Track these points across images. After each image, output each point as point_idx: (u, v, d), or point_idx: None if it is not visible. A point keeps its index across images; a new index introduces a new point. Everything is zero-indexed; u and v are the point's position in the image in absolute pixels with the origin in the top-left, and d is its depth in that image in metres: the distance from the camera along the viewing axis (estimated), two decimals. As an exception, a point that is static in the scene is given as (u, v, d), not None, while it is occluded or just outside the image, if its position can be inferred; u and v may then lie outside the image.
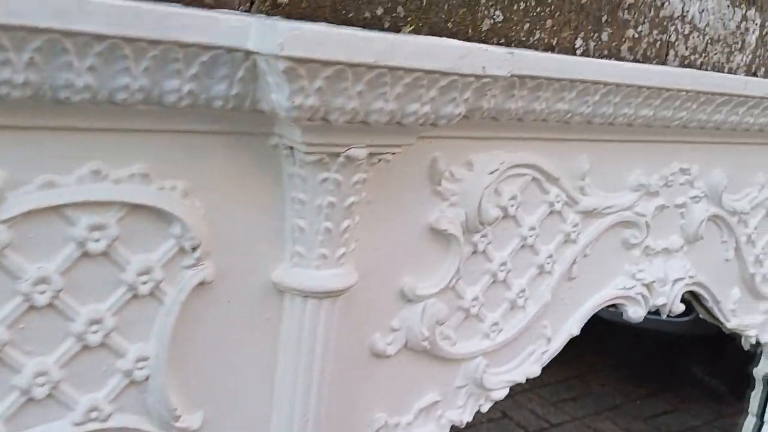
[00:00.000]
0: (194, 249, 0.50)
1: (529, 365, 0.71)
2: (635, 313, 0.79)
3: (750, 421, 1.05)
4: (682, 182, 0.81)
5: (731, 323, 0.92)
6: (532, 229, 0.64)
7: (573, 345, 2.79)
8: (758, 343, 1.01)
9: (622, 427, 2.86)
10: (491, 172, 0.59)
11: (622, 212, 0.74)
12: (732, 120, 0.77)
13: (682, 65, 0.79)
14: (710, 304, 0.90)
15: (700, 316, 0.98)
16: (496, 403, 2.73)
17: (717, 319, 0.91)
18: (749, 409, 1.05)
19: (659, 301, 0.81)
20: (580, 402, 3.00)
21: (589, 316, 0.76)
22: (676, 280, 0.83)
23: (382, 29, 0.57)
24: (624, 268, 0.78)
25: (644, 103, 0.67)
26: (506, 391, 0.73)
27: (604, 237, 0.75)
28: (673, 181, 0.79)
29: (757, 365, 1.06)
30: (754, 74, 0.87)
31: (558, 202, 0.67)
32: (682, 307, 0.85)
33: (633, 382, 3.22)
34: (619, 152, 0.70)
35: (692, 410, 3.19)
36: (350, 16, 0.56)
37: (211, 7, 0.51)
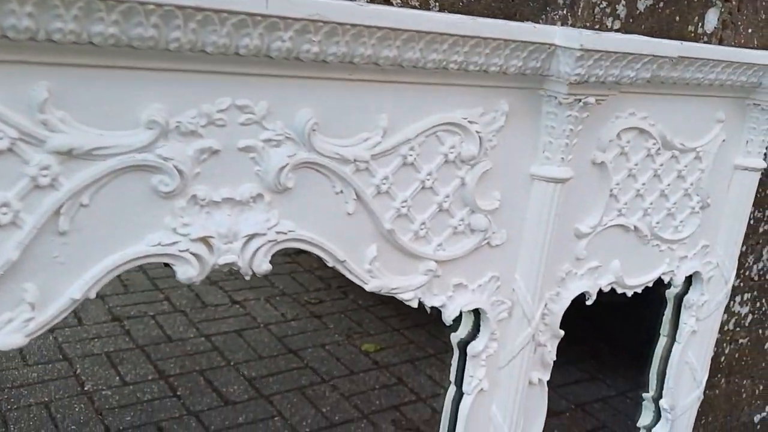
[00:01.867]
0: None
1: (7, 335, 0.59)
2: (185, 273, 0.66)
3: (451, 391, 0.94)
4: (243, 122, 0.67)
5: (370, 285, 0.80)
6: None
7: None
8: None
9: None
10: None
11: (134, 155, 0.62)
12: (305, 49, 0.62)
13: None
14: (331, 263, 0.77)
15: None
16: (392, 367, 2.64)
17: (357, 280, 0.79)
18: (451, 379, 0.94)
19: (226, 260, 0.69)
20: (482, 369, 2.90)
21: (112, 276, 0.65)
22: (250, 236, 0.70)
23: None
24: (163, 222, 0.65)
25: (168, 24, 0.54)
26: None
27: (115, 184, 0.62)
28: (226, 121, 0.66)
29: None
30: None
31: (19, 140, 0.54)
32: (269, 267, 0.73)
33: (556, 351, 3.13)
34: (131, 85, 0.57)
35: (609, 380, 3.08)
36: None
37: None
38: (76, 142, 0.58)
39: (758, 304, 1.40)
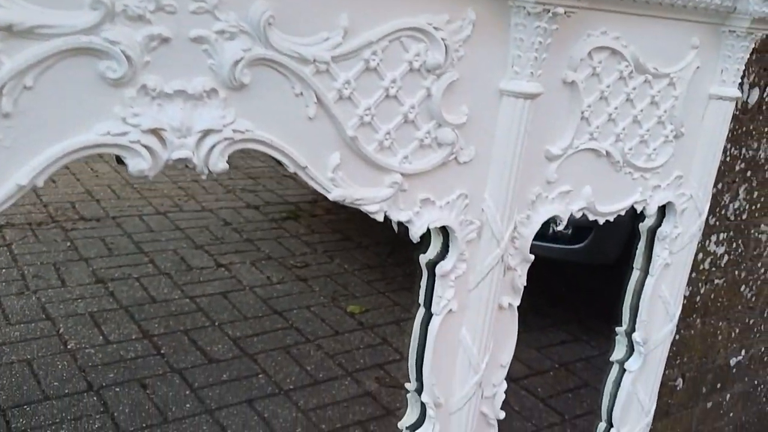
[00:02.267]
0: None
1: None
2: (137, 166, 0.64)
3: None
4: (194, 10, 0.64)
5: (333, 194, 0.77)
6: None
7: None
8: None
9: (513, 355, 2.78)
10: None
11: (79, 36, 0.59)
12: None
13: None
14: (292, 168, 0.75)
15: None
16: (377, 327, 2.63)
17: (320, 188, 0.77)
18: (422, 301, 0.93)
19: (179, 155, 0.67)
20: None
21: (61, 165, 0.62)
22: (205, 132, 0.67)
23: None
24: (113, 111, 0.63)
25: None
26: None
27: (61, 67, 0.60)
28: (176, 8, 0.64)
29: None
30: None
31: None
32: (225, 166, 0.71)
33: (540, 314, 3.14)
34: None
35: (593, 341, 3.09)
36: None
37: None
38: (16, 17, 0.56)
39: (734, 245, 1.40)
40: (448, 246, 0.91)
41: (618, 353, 1.22)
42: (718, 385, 1.56)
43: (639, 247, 1.15)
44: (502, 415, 1.05)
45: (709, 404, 1.57)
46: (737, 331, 1.52)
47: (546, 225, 3.16)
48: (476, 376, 0.96)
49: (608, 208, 1.04)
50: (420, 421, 0.97)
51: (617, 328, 1.22)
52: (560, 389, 2.72)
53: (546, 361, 2.87)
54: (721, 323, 1.45)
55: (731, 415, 1.66)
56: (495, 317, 0.97)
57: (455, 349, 0.95)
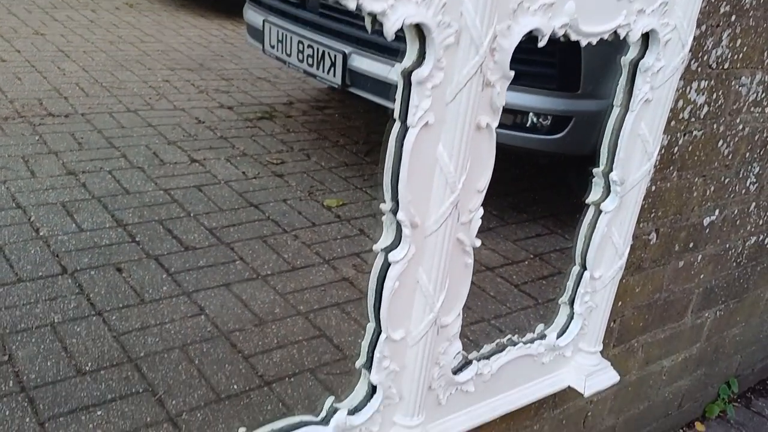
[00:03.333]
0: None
1: None
2: None
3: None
4: None
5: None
6: None
7: None
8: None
9: (489, 247, 2.79)
10: None
11: None
12: None
13: None
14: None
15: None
16: (354, 220, 2.60)
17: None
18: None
19: None
20: (443, 222, 2.91)
21: None
22: None
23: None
24: None
25: None
26: None
27: None
28: None
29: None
30: None
31: None
32: None
33: (517, 209, 3.14)
34: None
35: (567, 234, 3.12)
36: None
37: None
38: None
39: (714, 96, 1.37)
40: (425, 53, 0.86)
41: (594, 195, 1.21)
42: (691, 245, 1.57)
43: (620, 82, 1.11)
44: (478, 243, 1.03)
45: (681, 263, 1.58)
46: (712, 189, 1.51)
47: (524, 115, 3.13)
48: (453, 195, 0.93)
49: (591, 28, 0.99)
50: (396, 242, 0.95)
51: (594, 170, 1.19)
52: (534, 276, 2.75)
53: (521, 252, 2.89)
54: (697, 179, 1.44)
55: (701, 276, 1.68)
56: (472, 137, 0.93)
57: (432, 166, 0.92)
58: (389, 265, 0.95)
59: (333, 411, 1.02)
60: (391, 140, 0.90)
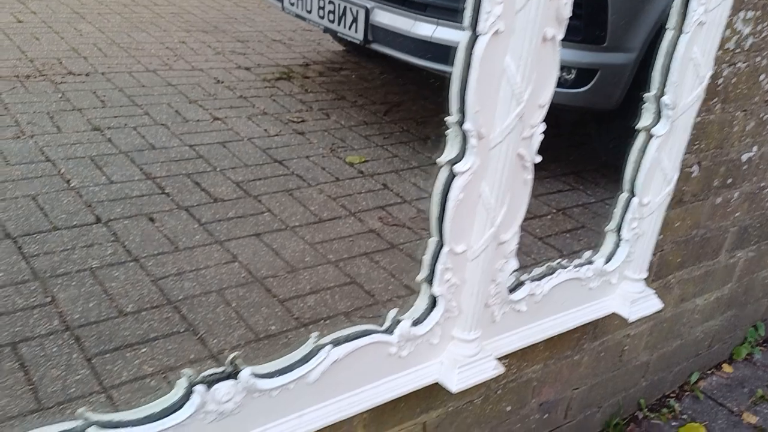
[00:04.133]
0: None
1: None
2: None
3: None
4: None
5: None
6: None
7: None
8: None
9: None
10: None
11: None
12: None
13: None
14: None
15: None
16: (377, 176, 2.65)
17: None
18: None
19: None
20: (466, 177, 2.93)
21: None
22: None
23: None
24: None
25: None
26: None
27: None
28: None
29: None
30: None
31: None
32: None
33: (537, 167, 3.16)
34: None
35: (589, 190, 3.14)
36: None
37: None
38: None
39: (759, 27, 1.37)
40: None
41: (645, 120, 1.22)
42: (729, 181, 1.59)
43: (674, 4, 1.12)
44: (539, 158, 1.05)
45: (718, 200, 1.60)
46: (752, 125, 1.52)
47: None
48: (518, 107, 0.95)
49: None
50: (460, 155, 0.97)
51: (645, 95, 1.21)
52: (558, 230, 2.77)
53: (544, 207, 2.91)
54: (738, 113, 1.45)
55: (737, 215, 1.70)
56: (538, 48, 0.94)
57: (498, 77, 0.93)
58: (453, 177, 0.97)
59: (396, 322, 1.04)
60: (460, 50, 0.91)
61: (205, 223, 2.33)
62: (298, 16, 3.27)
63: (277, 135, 3.08)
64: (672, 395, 2.19)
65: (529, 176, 1.04)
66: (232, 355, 0.89)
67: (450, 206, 0.97)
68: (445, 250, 1.00)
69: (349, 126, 3.30)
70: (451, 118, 0.96)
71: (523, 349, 1.23)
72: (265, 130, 3.11)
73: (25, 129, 2.72)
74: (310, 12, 3.15)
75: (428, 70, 2.88)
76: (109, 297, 1.90)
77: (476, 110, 0.93)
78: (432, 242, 1.03)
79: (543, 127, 1.03)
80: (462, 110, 0.94)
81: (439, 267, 1.01)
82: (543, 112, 1.01)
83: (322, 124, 3.28)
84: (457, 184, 0.97)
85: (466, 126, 0.93)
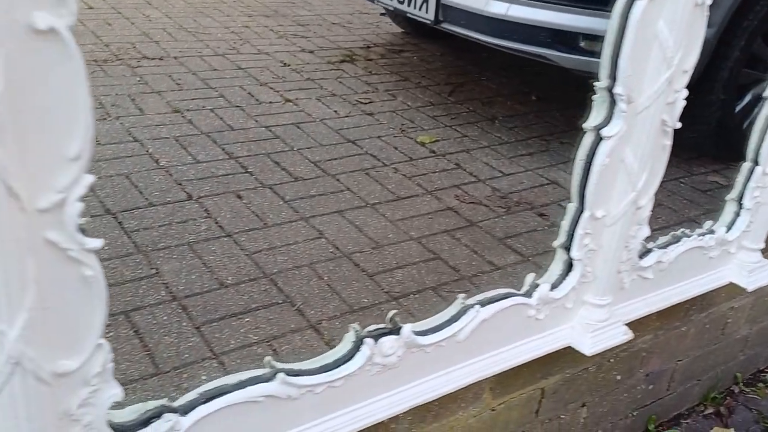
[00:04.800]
0: None
1: None
2: None
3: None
4: None
5: None
6: None
7: (538, 105, 2.70)
8: None
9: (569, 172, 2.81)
10: None
11: None
12: None
13: None
14: None
15: None
16: (449, 155, 2.67)
17: None
18: None
19: None
20: (536, 157, 2.93)
21: None
22: None
23: None
24: None
25: None
26: None
27: None
28: None
29: None
30: None
31: None
32: None
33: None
34: None
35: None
36: None
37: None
38: None
39: None
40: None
41: (771, 89, 1.21)
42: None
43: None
44: (679, 124, 1.06)
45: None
46: None
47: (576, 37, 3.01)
48: (668, 71, 0.96)
49: None
50: (606, 120, 0.98)
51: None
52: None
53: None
54: None
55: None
56: (690, 13, 0.95)
57: (650, 42, 0.94)
58: (599, 142, 0.98)
59: (534, 286, 1.07)
60: (614, 15, 0.93)
61: (289, 201, 2.39)
62: (366, -2, 3.28)
63: (347, 116, 3.12)
64: (767, 370, 2.18)
65: (669, 142, 1.05)
66: (392, 313, 0.92)
67: (594, 171, 0.99)
68: (585, 215, 1.02)
69: (416, 107, 3.32)
70: (601, 84, 0.98)
71: (639, 318, 1.25)
72: (335, 111, 3.15)
73: (110, 111, 2.80)
74: (379, -7, 3.16)
75: (502, 49, 2.88)
76: (209, 270, 1.96)
77: (628, 74, 0.94)
78: (571, 208, 1.05)
79: (685, 93, 1.03)
80: (613, 75, 0.96)
81: (578, 232, 1.03)
82: (687, 78, 1.02)
83: (390, 105, 3.31)
84: (603, 149, 0.98)
85: (617, 90, 0.95)
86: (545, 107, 3.45)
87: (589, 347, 1.11)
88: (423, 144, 2.96)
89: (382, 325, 0.92)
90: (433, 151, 2.90)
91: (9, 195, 0.54)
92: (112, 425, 0.70)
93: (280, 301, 1.90)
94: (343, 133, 2.95)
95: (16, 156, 0.53)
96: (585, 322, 1.12)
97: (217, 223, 2.19)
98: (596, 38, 2.76)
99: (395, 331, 0.91)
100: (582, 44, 2.79)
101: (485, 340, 1.02)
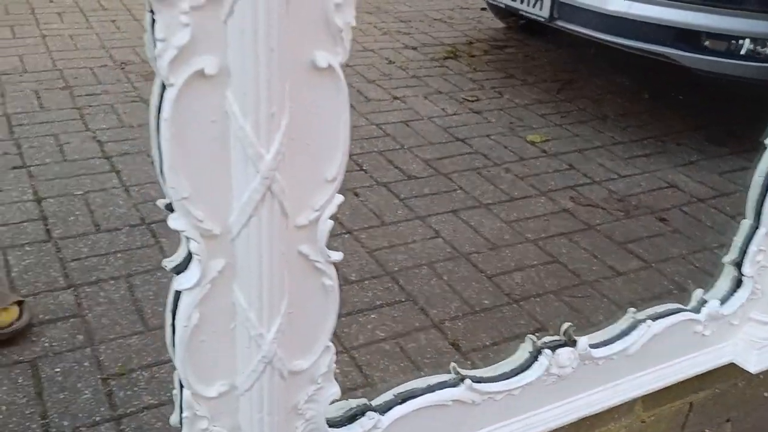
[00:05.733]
0: None
1: None
2: None
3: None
4: None
5: None
6: None
7: (650, 104, 2.64)
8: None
9: (696, 179, 2.72)
10: None
11: None
12: None
13: None
14: None
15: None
16: (561, 155, 2.63)
17: None
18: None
19: None
20: (653, 158, 2.86)
21: None
22: None
23: None
24: None
25: None
26: None
27: None
28: None
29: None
30: None
31: None
32: None
33: (715, 142, 3.02)
34: None
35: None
36: None
37: None
38: None
39: None
40: None
41: None
42: None
43: None
44: None
45: None
46: None
47: (739, 41, 2.92)
48: None
49: None
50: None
51: None
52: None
53: (730, 185, 2.78)
54: None
55: None
56: None
57: None
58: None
59: (702, 302, 1.05)
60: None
61: (404, 199, 2.43)
62: (476, -6, 3.28)
63: (454, 114, 3.13)
64: None
65: None
66: (566, 325, 0.94)
67: (775, 187, 0.97)
68: (761, 232, 1.00)
69: (524, 104, 3.30)
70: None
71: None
72: (443, 109, 3.17)
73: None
74: (490, -10, 3.15)
75: (619, 47, 2.81)
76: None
77: None
78: (745, 224, 1.03)
79: None
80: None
81: (752, 249, 1.01)
82: None
83: (497, 103, 3.30)
84: (787, 164, 0.96)
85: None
86: (658, 106, 3.35)
87: (754, 365, 1.09)
88: (533, 143, 2.94)
89: (556, 337, 0.94)
90: (545, 151, 2.88)
91: (281, 214, 0.59)
92: (327, 420, 0.76)
93: (403, 299, 1.95)
94: (451, 132, 2.97)
95: (289, 178, 0.59)
96: (750, 339, 1.11)
97: (337, 219, 2.26)
98: (721, 36, 2.66)
99: (571, 343, 0.93)
100: (706, 43, 2.69)
101: (653, 354, 1.03)
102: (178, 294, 0.58)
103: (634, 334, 0.98)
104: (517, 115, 3.19)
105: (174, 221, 0.56)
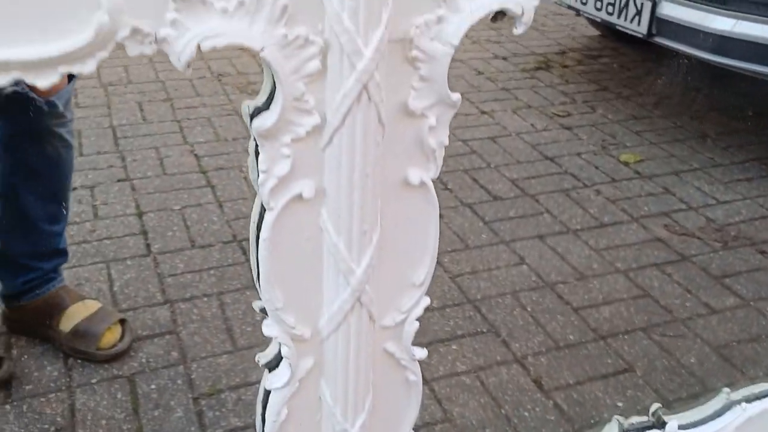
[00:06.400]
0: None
1: None
2: None
3: None
4: None
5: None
6: None
7: (755, 122, 2.51)
8: None
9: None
10: None
11: None
12: None
13: None
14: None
15: None
16: (656, 177, 2.53)
17: None
18: None
19: None
20: (756, 183, 2.70)
21: None
22: None
23: None
24: None
25: None
26: None
27: None
28: None
29: None
30: None
31: None
32: None
33: None
34: None
35: None
36: None
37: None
38: None
39: None
40: None
41: None
42: None
43: None
44: None
45: None
46: None
47: None
48: None
49: None
50: None
51: None
52: None
53: None
54: None
55: None
56: None
57: None
58: None
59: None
60: None
61: (488, 222, 2.41)
62: (570, 7, 3.19)
63: (544, 130, 3.07)
64: None
65: None
66: (655, 406, 0.91)
67: None
68: None
69: (618, 120, 3.19)
70: None
71: None
72: (532, 124, 3.11)
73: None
74: (585, 4, 3.06)
75: (724, 67, 2.67)
76: (416, 291, 2.04)
77: None
78: None
79: None
80: None
81: None
82: None
83: (589, 118, 3.20)
84: None
85: None
86: (764, 124, 3.16)
87: None
88: (627, 164, 2.84)
89: (644, 419, 0.91)
90: (638, 172, 2.78)
91: (369, 319, 0.61)
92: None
93: (485, 330, 1.93)
94: (540, 149, 2.92)
95: (377, 284, 0.60)
96: None
97: (421, 242, 2.27)
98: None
99: (659, 425, 0.90)
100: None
101: (748, 436, 0.98)
102: (268, 391, 0.61)
103: (728, 415, 0.94)
104: (609, 131, 3.09)
105: (267, 328, 0.59)
